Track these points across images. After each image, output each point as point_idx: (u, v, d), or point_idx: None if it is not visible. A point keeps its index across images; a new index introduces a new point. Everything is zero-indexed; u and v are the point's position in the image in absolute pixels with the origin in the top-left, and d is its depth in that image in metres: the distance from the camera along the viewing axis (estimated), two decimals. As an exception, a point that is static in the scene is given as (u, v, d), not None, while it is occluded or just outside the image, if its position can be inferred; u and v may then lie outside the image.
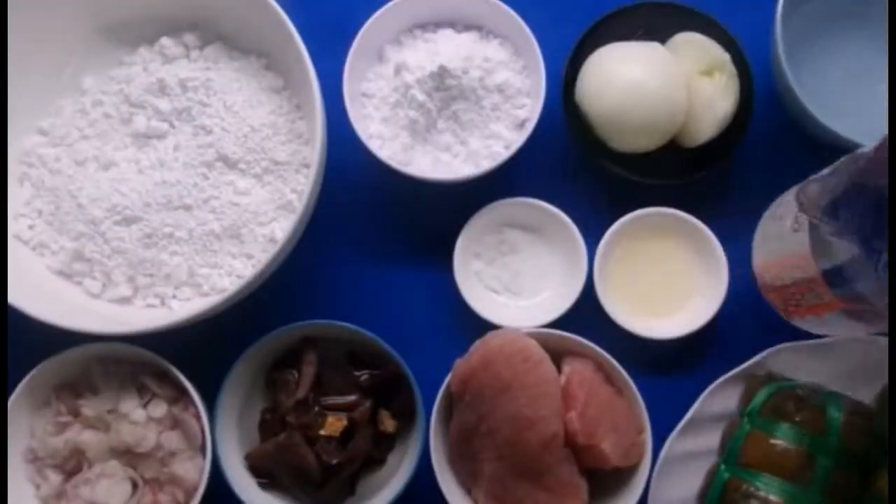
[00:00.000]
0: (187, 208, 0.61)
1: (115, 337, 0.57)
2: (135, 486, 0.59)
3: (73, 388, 0.61)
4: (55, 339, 0.57)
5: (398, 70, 0.63)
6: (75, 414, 0.60)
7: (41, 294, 0.60)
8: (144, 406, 0.60)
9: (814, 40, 0.64)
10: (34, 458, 0.60)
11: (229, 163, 0.62)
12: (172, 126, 0.63)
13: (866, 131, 0.52)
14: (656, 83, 0.60)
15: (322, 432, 0.59)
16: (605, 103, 0.61)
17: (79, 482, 0.59)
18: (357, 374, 0.62)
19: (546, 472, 0.55)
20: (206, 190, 0.61)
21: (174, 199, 0.61)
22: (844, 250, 0.49)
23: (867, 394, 0.59)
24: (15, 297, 0.56)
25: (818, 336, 0.61)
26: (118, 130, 0.64)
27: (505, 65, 0.64)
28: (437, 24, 0.66)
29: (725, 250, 0.62)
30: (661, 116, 0.61)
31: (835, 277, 0.52)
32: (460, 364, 0.58)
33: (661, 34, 0.65)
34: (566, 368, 0.58)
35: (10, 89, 0.62)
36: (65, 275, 0.63)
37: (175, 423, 0.60)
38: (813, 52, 0.64)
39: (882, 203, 0.47)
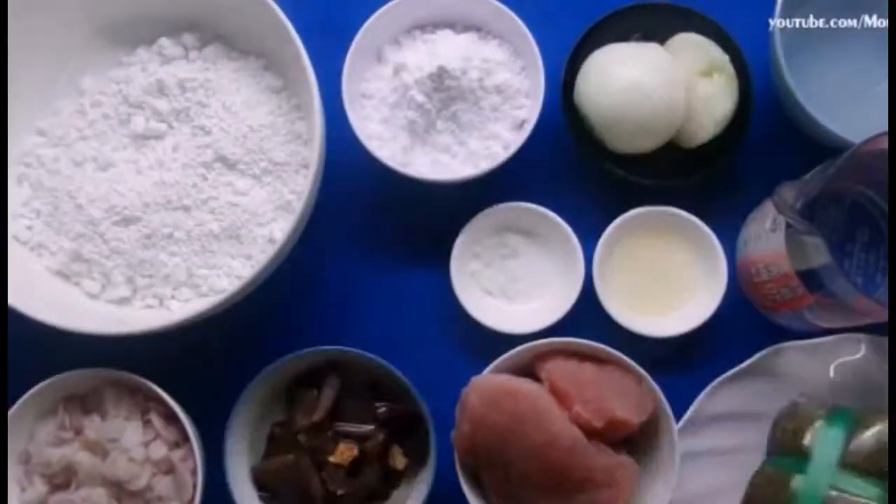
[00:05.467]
0: (186, 209, 0.61)
1: (115, 337, 0.56)
2: None
3: (82, 402, 0.61)
4: (60, 339, 0.55)
5: (397, 71, 0.62)
6: (78, 431, 0.60)
7: (40, 294, 0.59)
8: (146, 445, 0.59)
9: (813, 41, 0.64)
10: (27, 461, 0.60)
11: (228, 163, 0.62)
12: (171, 126, 0.63)
13: (865, 132, 0.52)
14: (655, 84, 0.60)
15: (331, 459, 0.59)
16: (605, 104, 0.61)
17: (62, 500, 0.58)
18: (376, 405, 0.61)
19: (591, 472, 0.55)
20: (205, 190, 0.61)
21: (173, 199, 0.60)
22: (816, 249, 0.51)
23: (867, 394, 0.59)
24: (13, 298, 0.55)
25: (818, 336, 0.61)
26: (117, 131, 0.64)
27: (504, 65, 0.63)
28: (436, 25, 0.66)
29: (725, 250, 0.62)
30: (661, 117, 0.61)
31: (807, 274, 0.54)
32: (456, 438, 0.57)
33: (660, 35, 0.65)
34: (542, 375, 0.58)
35: (10, 89, 0.62)
36: (63, 275, 0.62)
37: (170, 469, 0.59)
38: (812, 53, 0.64)
39: (852, 209, 0.53)
